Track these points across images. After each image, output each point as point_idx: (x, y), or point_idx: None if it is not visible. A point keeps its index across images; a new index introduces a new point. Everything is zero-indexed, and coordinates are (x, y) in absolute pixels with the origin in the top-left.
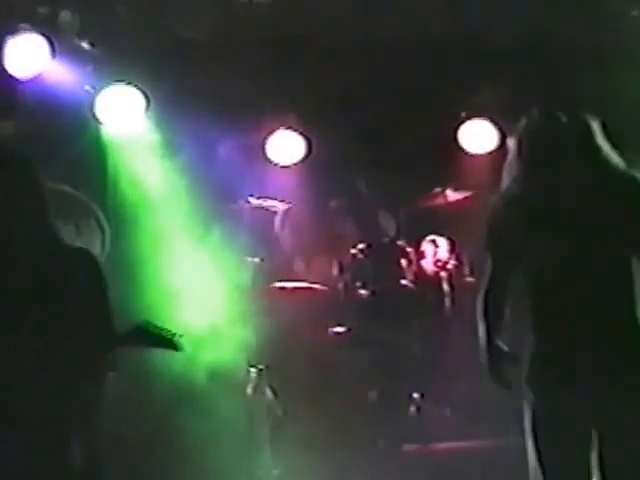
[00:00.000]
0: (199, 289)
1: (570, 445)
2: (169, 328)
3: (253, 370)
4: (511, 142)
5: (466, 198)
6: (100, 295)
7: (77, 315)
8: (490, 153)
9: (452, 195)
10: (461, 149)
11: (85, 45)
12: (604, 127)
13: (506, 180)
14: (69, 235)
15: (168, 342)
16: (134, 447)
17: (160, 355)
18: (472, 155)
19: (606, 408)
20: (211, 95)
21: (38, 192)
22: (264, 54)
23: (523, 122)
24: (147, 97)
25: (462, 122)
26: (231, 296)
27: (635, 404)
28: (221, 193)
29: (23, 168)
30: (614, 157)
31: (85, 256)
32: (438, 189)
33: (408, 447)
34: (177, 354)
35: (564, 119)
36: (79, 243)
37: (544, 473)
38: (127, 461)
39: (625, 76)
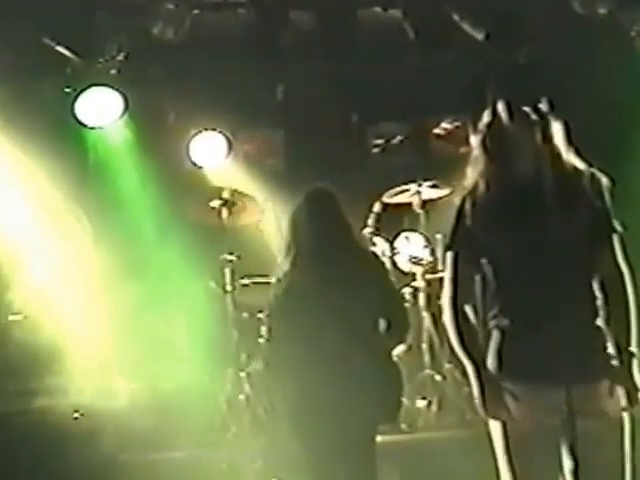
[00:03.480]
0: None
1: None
2: None
3: (230, 370)
4: (474, 139)
5: (440, 194)
6: None
7: None
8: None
9: (427, 192)
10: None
11: (63, 49)
12: (566, 126)
13: (471, 176)
14: None
15: None
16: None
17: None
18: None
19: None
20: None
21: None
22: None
23: (487, 118)
24: (126, 99)
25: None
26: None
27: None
28: (196, 192)
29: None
30: (576, 154)
31: None
32: (413, 185)
33: (383, 438)
34: None
35: (527, 115)
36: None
37: None
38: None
39: (590, 76)
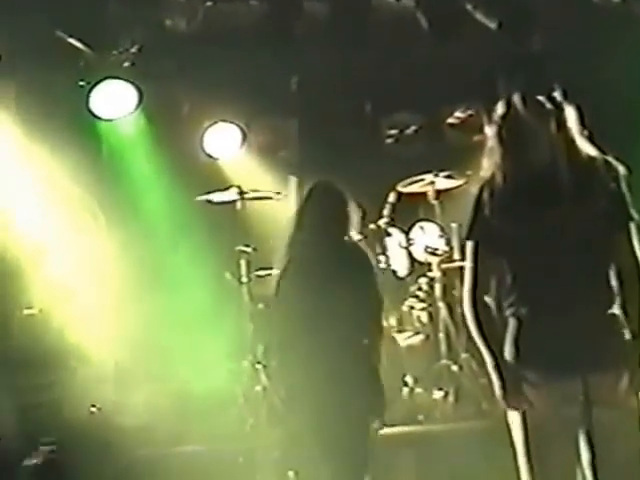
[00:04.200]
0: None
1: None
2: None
3: (246, 363)
4: (490, 129)
5: (455, 184)
6: None
7: None
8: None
9: (441, 181)
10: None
11: (76, 42)
12: (580, 112)
13: (487, 167)
14: None
15: None
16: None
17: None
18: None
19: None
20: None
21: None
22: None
23: (502, 109)
24: (140, 91)
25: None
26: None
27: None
28: (209, 184)
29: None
30: (589, 139)
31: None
32: (428, 175)
33: (400, 429)
34: None
35: (542, 105)
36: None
37: None
38: None
39: (606, 61)
